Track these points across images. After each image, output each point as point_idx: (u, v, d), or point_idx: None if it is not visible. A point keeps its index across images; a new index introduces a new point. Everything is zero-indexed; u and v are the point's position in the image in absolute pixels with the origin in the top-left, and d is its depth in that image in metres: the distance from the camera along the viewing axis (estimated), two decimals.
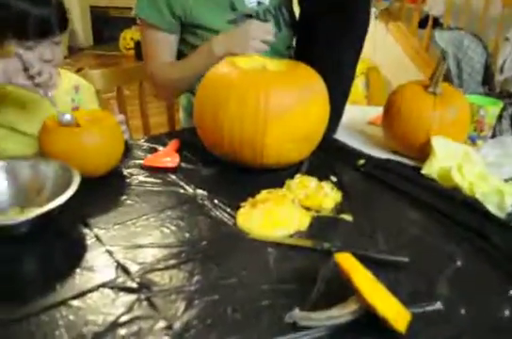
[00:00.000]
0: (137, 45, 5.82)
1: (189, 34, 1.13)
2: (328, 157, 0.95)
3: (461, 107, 0.97)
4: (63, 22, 0.94)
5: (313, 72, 0.87)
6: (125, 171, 0.88)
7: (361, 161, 0.95)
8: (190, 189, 0.82)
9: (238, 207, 0.75)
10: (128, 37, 6.04)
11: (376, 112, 1.27)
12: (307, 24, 1.11)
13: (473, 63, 2.55)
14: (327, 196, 0.77)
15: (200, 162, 0.92)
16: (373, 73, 3.05)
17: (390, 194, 0.84)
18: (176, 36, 1.14)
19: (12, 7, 0.87)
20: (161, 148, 0.98)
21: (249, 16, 1.11)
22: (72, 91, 1.07)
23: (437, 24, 2.96)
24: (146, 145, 1.00)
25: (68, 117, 0.82)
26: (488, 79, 2.60)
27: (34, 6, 0.88)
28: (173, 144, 0.98)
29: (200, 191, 0.81)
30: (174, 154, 0.93)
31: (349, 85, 1.09)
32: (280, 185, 0.81)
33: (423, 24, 3.08)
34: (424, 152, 0.95)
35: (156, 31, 1.11)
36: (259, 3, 1.13)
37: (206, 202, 0.77)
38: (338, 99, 1.04)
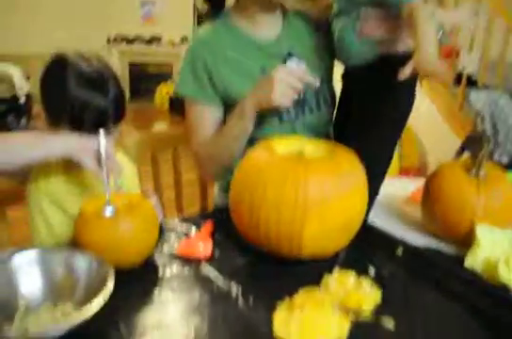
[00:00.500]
0: (172, 100, 6.04)
1: (230, 108, 1.12)
2: (365, 246, 0.92)
3: (508, 189, 0.93)
4: (120, 114, 0.96)
5: (353, 157, 0.86)
6: (158, 261, 0.86)
7: (400, 250, 0.91)
8: (224, 284, 0.79)
9: (274, 307, 0.71)
10: (164, 91, 6.28)
11: (414, 186, 1.24)
12: (348, 100, 1.12)
13: (510, 124, 2.51)
14: (366, 295, 0.73)
15: (233, 249, 0.90)
16: (406, 133, 3.03)
17: (431, 292, 0.79)
18: (220, 110, 1.14)
19: (72, 94, 0.90)
20: (194, 229, 0.97)
21: None
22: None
23: (470, 81, 2.95)
24: (179, 227, 0.99)
25: (110, 210, 0.81)
26: None
27: (94, 96, 0.90)
28: (207, 227, 0.97)
29: (234, 285, 0.78)
30: (207, 240, 0.91)
31: (388, 165, 1.07)
32: (317, 279, 0.78)
33: (456, 80, 3.06)
34: (466, 239, 0.90)
35: (201, 106, 1.13)
36: None
37: (240, 301, 0.74)
38: (376, 179, 1.03)
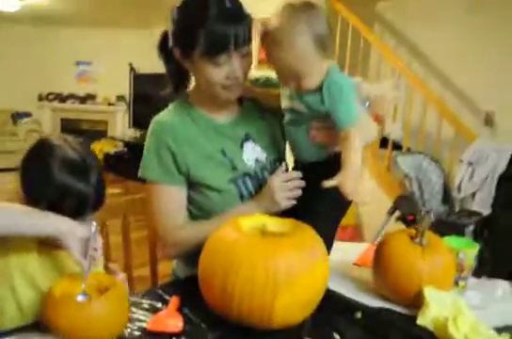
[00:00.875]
0: (106, 157, 5.97)
1: (195, 192, 1.17)
2: (327, 311, 0.97)
3: (447, 254, 1.04)
4: (100, 201, 0.97)
5: (312, 232, 0.94)
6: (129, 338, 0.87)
7: (359, 314, 0.98)
8: None
9: None
10: (98, 148, 6.21)
11: (357, 251, 1.34)
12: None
13: (433, 184, 2.77)
14: None
15: (203, 323, 0.92)
16: None
17: None
18: (185, 190, 1.17)
19: (54, 178, 0.90)
20: (160, 305, 0.98)
21: (248, 175, 1.18)
22: None
23: (396, 145, 3.23)
24: (145, 303, 1.00)
25: (83, 298, 0.82)
26: (447, 198, 2.81)
27: (76, 182, 0.91)
28: (174, 302, 0.98)
29: None
30: (177, 316, 0.93)
31: (333, 239, 1.17)
32: None
33: (382, 143, 3.34)
34: (416, 301, 0.99)
35: (168, 188, 1.15)
36: (257, 160, 1.20)
37: None
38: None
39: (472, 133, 2.94)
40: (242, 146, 1.20)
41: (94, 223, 0.88)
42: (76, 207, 0.92)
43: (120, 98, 6.59)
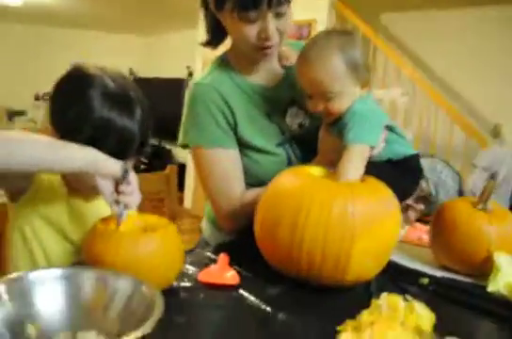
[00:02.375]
0: None
1: (242, 156, 1.09)
2: (391, 276, 0.89)
3: None
4: (145, 140, 0.86)
5: (381, 184, 0.86)
6: (183, 288, 0.77)
7: (425, 280, 0.90)
8: (265, 310, 0.72)
9: (330, 332, 0.65)
10: None
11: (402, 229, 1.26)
12: None
13: (448, 187, 2.71)
14: (422, 316, 0.69)
15: (259, 278, 0.83)
16: None
17: (471, 314, 0.78)
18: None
19: (96, 114, 0.79)
20: (207, 261, 0.89)
21: (294, 139, 1.11)
22: None
23: None
24: (189, 260, 0.91)
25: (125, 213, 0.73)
26: None
27: (120, 117, 0.80)
28: (223, 258, 0.89)
29: (280, 314, 0.71)
30: (230, 270, 0.84)
31: None
32: (364, 304, 0.73)
33: None
34: (483, 268, 0.92)
35: (227, 152, 1.06)
36: (300, 125, 1.14)
37: (297, 329, 0.67)
38: None
39: (483, 137, 2.92)
40: (286, 110, 1.13)
41: (128, 163, 0.78)
42: (118, 147, 0.80)
43: None
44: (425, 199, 1.93)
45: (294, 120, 1.14)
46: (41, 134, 0.79)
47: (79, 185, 0.89)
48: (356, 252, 0.74)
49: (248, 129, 1.07)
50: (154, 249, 0.70)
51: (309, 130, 1.12)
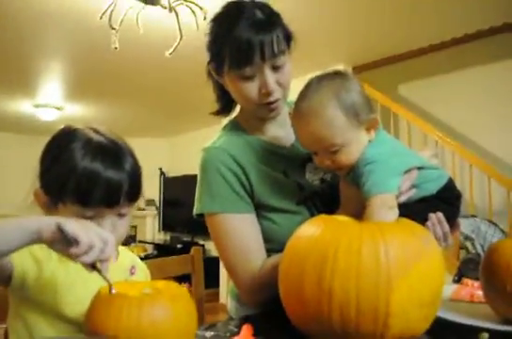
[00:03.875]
0: None
1: (259, 218, 1.03)
2: (441, 334, 0.76)
3: None
4: (134, 191, 0.82)
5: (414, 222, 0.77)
6: None
7: (485, 335, 0.75)
8: None
9: None
10: None
11: (451, 287, 1.12)
12: None
13: None
14: None
15: None
16: None
17: None
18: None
19: (79, 166, 0.76)
20: (228, 334, 0.78)
21: (316, 194, 1.04)
22: (127, 273, 0.92)
23: None
24: (209, 335, 0.80)
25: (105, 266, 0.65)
26: None
27: (105, 168, 0.77)
28: (247, 329, 0.78)
29: None
30: None
31: None
32: None
33: None
34: None
35: (243, 218, 1.00)
36: (322, 180, 1.08)
37: None
38: None
39: None
40: (304, 166, 1.08)
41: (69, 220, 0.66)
42: (107, 197, 0.76)
43: (151, 202, 6.61)
44: (473, 260, 1.77)
45: (314, 175, 1.08)
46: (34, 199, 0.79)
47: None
48: (396, 300, 0.63)
49: (264, 188, 1.02)
50: (161, 314, 0.61)
51: (331, 184, 1.06)
